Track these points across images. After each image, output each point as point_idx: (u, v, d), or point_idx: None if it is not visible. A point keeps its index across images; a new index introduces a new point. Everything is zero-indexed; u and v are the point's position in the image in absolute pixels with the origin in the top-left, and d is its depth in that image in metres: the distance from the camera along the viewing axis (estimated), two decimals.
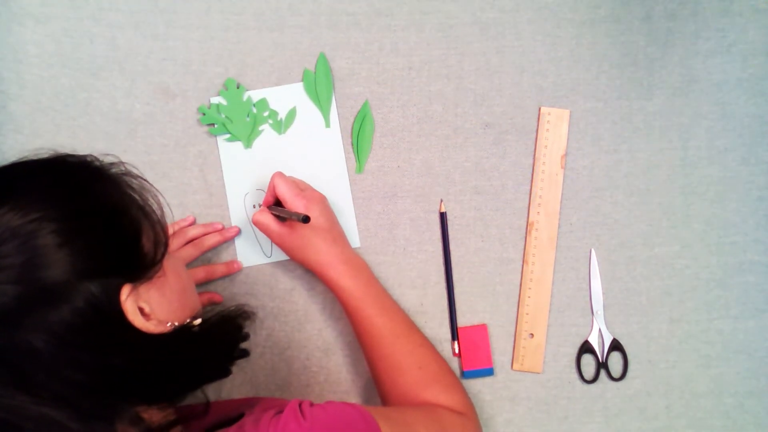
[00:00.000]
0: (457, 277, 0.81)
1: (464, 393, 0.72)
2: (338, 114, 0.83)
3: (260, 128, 0.82)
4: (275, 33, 0.83)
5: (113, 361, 0.51)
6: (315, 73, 0.82)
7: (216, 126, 0.82)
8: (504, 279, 0.81)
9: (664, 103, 0.82)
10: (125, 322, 0.51)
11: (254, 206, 0.82)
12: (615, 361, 0.80)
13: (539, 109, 0.82)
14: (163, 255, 0.56)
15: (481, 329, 0.80)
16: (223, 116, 0.82)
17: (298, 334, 0.80)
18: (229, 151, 0.82)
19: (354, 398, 0.79)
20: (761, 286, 0.80)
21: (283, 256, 0.80)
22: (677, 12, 0.83)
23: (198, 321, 0.59)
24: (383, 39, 0.83)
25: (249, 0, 0.83)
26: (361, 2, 0.83)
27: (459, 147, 0.82)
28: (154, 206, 0.57)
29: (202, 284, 0.79)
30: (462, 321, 0.80)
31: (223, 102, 0.82)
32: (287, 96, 0.83)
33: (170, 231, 0.77)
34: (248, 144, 0.82)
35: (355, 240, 0.81)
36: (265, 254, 0.81)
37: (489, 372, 0.79)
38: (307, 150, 0.82)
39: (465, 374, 0.79)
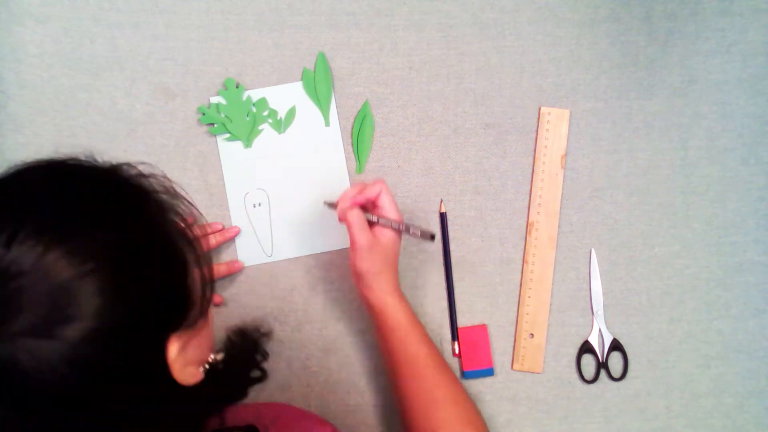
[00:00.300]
0: (457, 277, 0.81)
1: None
2: (338, 113, 0.83)
3: (260, 127, 0.82)
4: (275, 33, 0.83)
5: (140, 410, 0.45)
6: (314, 72, 0.82)
7: (216, 126, 0.82)
8: (504, 279, 0.81)
9: (664, 103, 0.82)
10: (165, 374, 0.45)
11: (254, 206, 0.82)
12: (615, 361, 0.80)
13: (539, 109, 0.82)
14: (210, 299, 0.49)
15: (481, 329, 0.80)
16: (223, 116, 0.82)
17: (298, 334, 0.80)
18: (228, 150, 0.82)
19: (354, 398, 0.79)
20: (761, 286, 0.80)
21: (284, 256, 0.80)
22: (677, 12, 0.83)
23: (220, 356, 0.54)
24: (383, 39, 0.83)
25: (249, 0, 0.83)
26: (361, 2, 0.83)
27: (459, 147, 0.82)
28: (200, 239, 0.49)
29: None
30: (462, 321, 0.80)
31: (223, 101, 0.82)
32: (287, 95, 0.83)
33: None
34: (248, 143, 0.82)
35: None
36: (265, 254, 0.81)
37: (489, 372, 0.79)
38: (307, 149, 0.82)
39: (465, 374, 0.79)
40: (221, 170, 0.82)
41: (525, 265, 0.81)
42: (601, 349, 0.79)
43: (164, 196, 0.48)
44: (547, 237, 0.81)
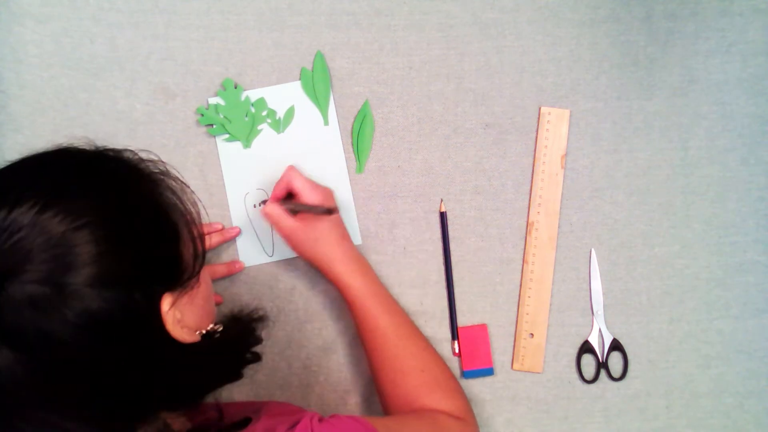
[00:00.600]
0: (457, 276, 0.81)
1: (464, 398, 0.72)
2: (337, 113, 0.83)
3: (259, 127, 0.82)
4: (275, 33, 0.83)
5: (142, 367, 0.50)
6: (312, 71, 0.82)
7: (215, 126, 0.82)
8: (504, 279, 0.81)
9: (664, 103, 0.82)
10: (161, 330, 0.50)
11: (255, 206, 0.82)
12: (615, 361, 0.80)
13: (539, 109, 0.82)
14: (201, 264, 0.55)
15: (481, 329, 0.80)
16: (222, 116, 0.82)
17: (298, 333, 0.80)
18: (228, 151, 0.82)
19: (354, 397, 0.79)
20: (761, 286, 0.80)
21: (285, 256, 0.80)
22: (677, 12, 0.83)
23: (219, 327, 0.58)
24: (383, 39, 0.83)
25: (249, 0, 0.83)
26: (361, 2, 0.83)
27: (459, 147, 0.82)
28: (193, 212, 0.55)
29: None
30: (462, 321, 0.80)
31: (222, 102, 0.82)
32: (285, 95, 0.83)
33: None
34: (247, 144, 0.82)
35: (356, 237, 0.81)
36: (266, 254, 0.81)
37: (489, 372, 0.79)
38: (307, 148, 0.82)
39: (465, 374, 0.79)
40: (221, 170, 0.82)
41: (525, 265, 0.81)
42: (601, 349, 0.79)
43: (160, 176, 0.55)
44: (547, 237, 0.81)
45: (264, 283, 0.81)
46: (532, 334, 0.80)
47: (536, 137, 0.82)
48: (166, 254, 0.52)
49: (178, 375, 0.53)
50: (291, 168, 0.76)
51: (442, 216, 0.81)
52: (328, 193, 0.75)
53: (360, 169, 0.82)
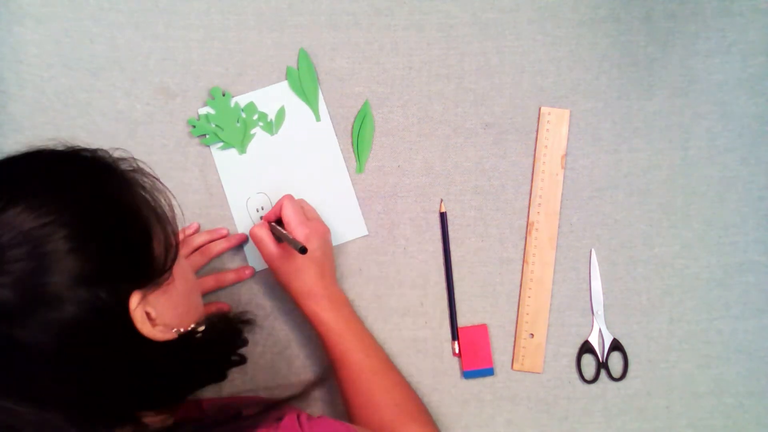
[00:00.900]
0: (457, 277, 0.81)
1: (437, 429, 0.72)
2: (338, 113, 0.83)
3: (252, 132, 0.82)
4: (275, 33, 0.83)
5: (116, 366, 0.50)
6: (298, 69, 0.82)
7: (208, 136, 0.81)
8: (504, 279, 0.81)
9: (664, 103, 0.82)
10: (132, 328, 0.50)
11: (257, 210, 0.81)
12: (615, 361, 0.80)
13: (539, 109, 0.82)
14: (173, 261, 0.55)
15: (482, 329, 0.80)
16: (213, 125, 0.81)
17: (299, 333, 0.80)
18: (224, 159, 0.82)
19: None
20: (761, 286, 0.80)
21: None
22: (677, 12, 0.83)
23: (201, 328, 0.58)
24: (383, 39, 0.83)
25: (249, 0, 0.83)
26: (361, 2, 0.83)
27: (459, 147, 0.82)
28: (166, 208, 0.55)
29: (212, 292, 0.79)
30: (462, 321, 0.80)
31: (212, 111, 0.81)
32: (274, 96, 0.82)
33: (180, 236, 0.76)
34: (242, 149, 0.82)
35: (362, 228, 0.81)
36: None
37: (489, 372, 0.79)
38: (302, 146, 0.82)
39: (465, 374, 0.79)
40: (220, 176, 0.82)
41: (525, 265, 0.81)
42: (601, 349, 0.79)
43: (132, 173, 0.54)
44: (547, 237, 0.81)
45: (264, 282, 0.81)
46: (532, 334, 0.80)
47: (536, 137, 0.82)
48: (135, 250, 0.51)
49: (157, 374, 0.53)
50: (287, 197, 0.74)
51: (442, 216, 0.81)
52: (318, 231, 0.73)
53: (360, 169, 0.82)
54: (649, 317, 0.80)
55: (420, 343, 0.80)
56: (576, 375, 0.79)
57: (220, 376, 0.60)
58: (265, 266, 0.80)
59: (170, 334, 0.53)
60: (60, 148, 0.53)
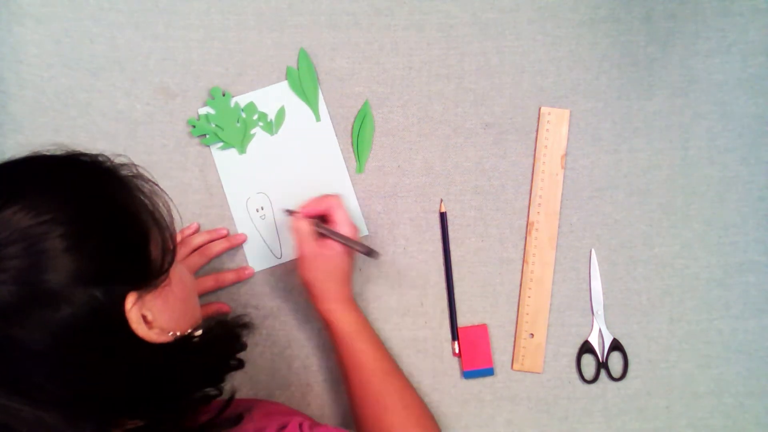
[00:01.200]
0: (457, 276, 0.81)
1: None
2: (329, 108, 0.82)
3: (252, 132, 0.82)
4: (275, 33, 0.83)
5: (111, 367, 0.50)
6: (298, 69, 0.82)
7: (208, 136, 0.81)
8: (504, 279, 0.81)
9: (664, 103, 0.82)
10: (127, 329, 0.50)
11: (257, 210, 0.81)
12: (615, 361, 0.80)
13: (539, 109, 0.82)
14: (170, 264, 0.55)
15: (481, 329, 0.80)
16: (213, 125, 0.81)
17: (299, 333, 0.80)
18: (224, 159, 0.82)
19: None
20: (761, 286, 0.80)
21: (293, 257, 0.80)
22: (677, 12, 0.83)
23: (199, 332, 0.58)
24: (383, 39, 0.83)
25: (249, 0, 0.83)
26: (361, 2, 0.83)
27: (459, 147, 0.82)
28: (164, 212, 0.55)
29: (211, 292, 0.79)
30: (462, 321, 0.80)
31: (212, 111, 0.81)
32: (274, 96, 0.82)
33: (178, 239, 0.76)
34: (242, 149, 0.82)
35: (362, 228, 0.81)
36: (275, 256, 0.81)
37: (489, 372, 0.79)
38: (302, 146, 0.82)
39: (465, 374, 0.79)
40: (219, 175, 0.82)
41: (525, 265, 0.81)
42: (601, 349, 0.79)
43: (132, 178, 0.55)
44: (547, 237, 0.81)
45: (264, 282, 0.81)
46: (532, 334, 0.80)
47: (536, 137, 0.82)
48: (132, 252, 0.52)
49: (153, 377, 0.53)
50: (337, 197, 0.75)
51: (442, 216, 0.81)
52: (356, 232, 0.74)
53: (360, 169, 0.82)
54: (649, 317, 0.80)
55: (420, 343, 0.80)
56: (576, 375, 0.79)
57: (218, 381, 0.60)
58: (265, 266, 0.80)
59: (166, 337, 0.53)
60: (60, 152, 0.53)
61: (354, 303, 0.75)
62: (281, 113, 0.82)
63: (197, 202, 0.82)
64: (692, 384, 0.79)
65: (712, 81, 0.82)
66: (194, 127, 0.81)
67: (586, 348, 0.80)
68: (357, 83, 0.83)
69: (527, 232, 0.81)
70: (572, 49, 0.83)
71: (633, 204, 0.81)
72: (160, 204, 0.56)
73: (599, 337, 0.79)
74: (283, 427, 0.57)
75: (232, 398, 0.59)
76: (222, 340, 0.61)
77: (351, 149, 0.82)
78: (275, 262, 0.81)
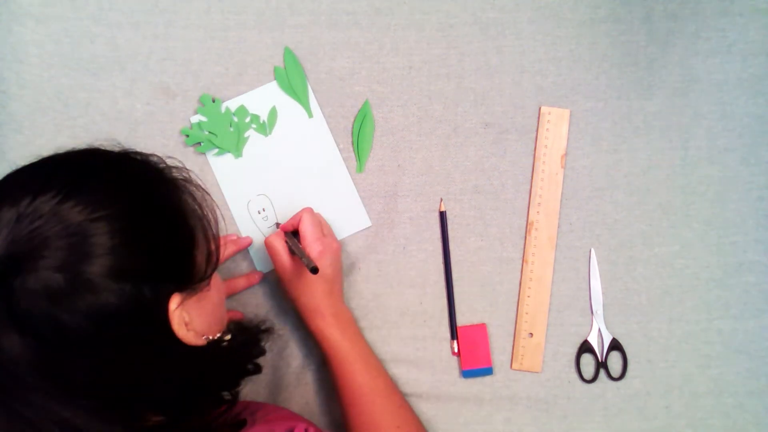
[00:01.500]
0: (456, 276, 0.81)
1: None
2: (329, 108, 0.82)
3: (246, 135, 0.82)
4: (275, 33, 0.83)
5: (147, 364, 0.51)
6: (285, 67, 0.82)
7: (202, 144, 0.81)
8: (504, 278, 0.81)
9: (664, 103, 0.82)
10: (168, 329, 0.51)
11: (259, 212, 0.81)
12: (614, 361, 0.80)
13: (539, 108, 0.82)
14: (213, 270, 0.56)
15: (481, 328, 0.80)
16: (207, 132, 0.81)
17: (298, 332, 0.80)
18: (220, 165, 0.82)
19: None
20: (761, 286, 0.80)
21: None
22: (677, 12, 0.83)
23: (228, 336, 0.60)
24: (383, 39, 0.83)
25: (249, 0, 0.83)
26: (361, 2, 0.83)
27: (459, 146, 0.82)
28: (210, 219, 0.57)
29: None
30: (461, 320, 0.80)
31: (204, 119, 0.81)
32: (264, 97, 0.82)
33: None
34: (238, 153, 0.82)
35: (365, 220, 0.81)
36: None
37: (488, 371, 0.79)
38: (297, 144, 0.82)
39: (464, 373, 0.79)
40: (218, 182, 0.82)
41: (524, 264, 0.81)
42: (601, 348, 0.79)
43: (183, 182, 0.56)
44: (546, 237, 0.81)
45: (263, 281, 0.81)
46: (531, 334, 0.80)
47: (536, 137, 0.82)
48: (179, 255, 0.53)
49: (178, 377, 0.53)
50: (307, 210, 0.76)
51: (442, 215, 0.81)
52: (331, 248, 0.73)
53: (360, 168, 0.82)
54: (648, 317, 0.80)
55: (419, 342, 0.80)
56: (575, 374, 0.79)
57: (235, 384, 0.60)
58: (271, 268, 0.80)
59: (200, 341, 0.55)
60: (116, 149, 0.55)
61: (344, 315, 0.74)
62: (273, 113, 0.82)
63: None
64: (692, 384, 0.79)
65: (712, 81, 0.82)
66: (188, 136, 0.81)
67: (585, 347, 0.80)
68: (357, 83, 0.83)
69: (527, 232, 0.81)
70: (572, 49, 0.83)
71: (633, 204, 0.81)
72: (207, 211, 0.57)
73: (598, 336, 0.79)
74: (290, 430, 0.57)
75: (235, 399, 0.59)
76: (243, 344, 0.62)
77: (351, 149, 0.82)
78: None
